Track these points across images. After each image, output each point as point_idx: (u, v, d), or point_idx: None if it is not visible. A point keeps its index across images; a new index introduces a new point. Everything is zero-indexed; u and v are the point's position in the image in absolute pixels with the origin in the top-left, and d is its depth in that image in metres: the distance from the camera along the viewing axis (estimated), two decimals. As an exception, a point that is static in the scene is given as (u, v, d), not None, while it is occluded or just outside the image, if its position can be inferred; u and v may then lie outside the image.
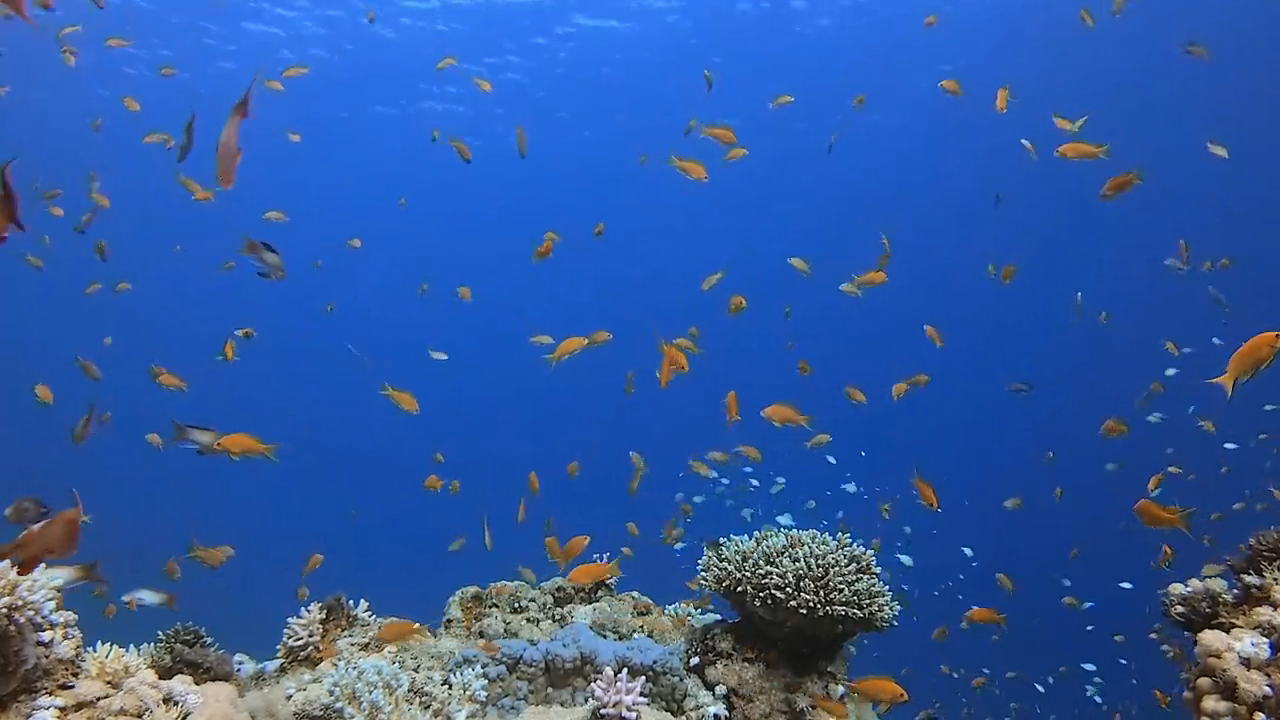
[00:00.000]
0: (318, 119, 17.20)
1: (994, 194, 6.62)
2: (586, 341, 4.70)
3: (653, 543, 5.67)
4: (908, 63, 14.54)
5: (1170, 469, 7.94)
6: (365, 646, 2.99)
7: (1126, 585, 5.87)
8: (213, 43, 14.90)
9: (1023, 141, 5.51)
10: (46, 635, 2.09)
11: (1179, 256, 6.49)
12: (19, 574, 1.98)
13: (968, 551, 7.98)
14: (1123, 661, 7.43)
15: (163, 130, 7.06)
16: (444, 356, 7.46)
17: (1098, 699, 7.52)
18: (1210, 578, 2.44)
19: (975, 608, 3.80)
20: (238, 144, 2.32)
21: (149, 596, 3.12)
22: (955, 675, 7.00)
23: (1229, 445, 7.76)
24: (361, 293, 19.72)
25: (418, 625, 2.97)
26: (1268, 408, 8.46)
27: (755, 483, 6.06)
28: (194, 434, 2.92)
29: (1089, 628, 8.26)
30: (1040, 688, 8.29)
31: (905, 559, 5.26)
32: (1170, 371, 7.35)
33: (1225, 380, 2.31)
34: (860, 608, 2.87)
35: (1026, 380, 8.71)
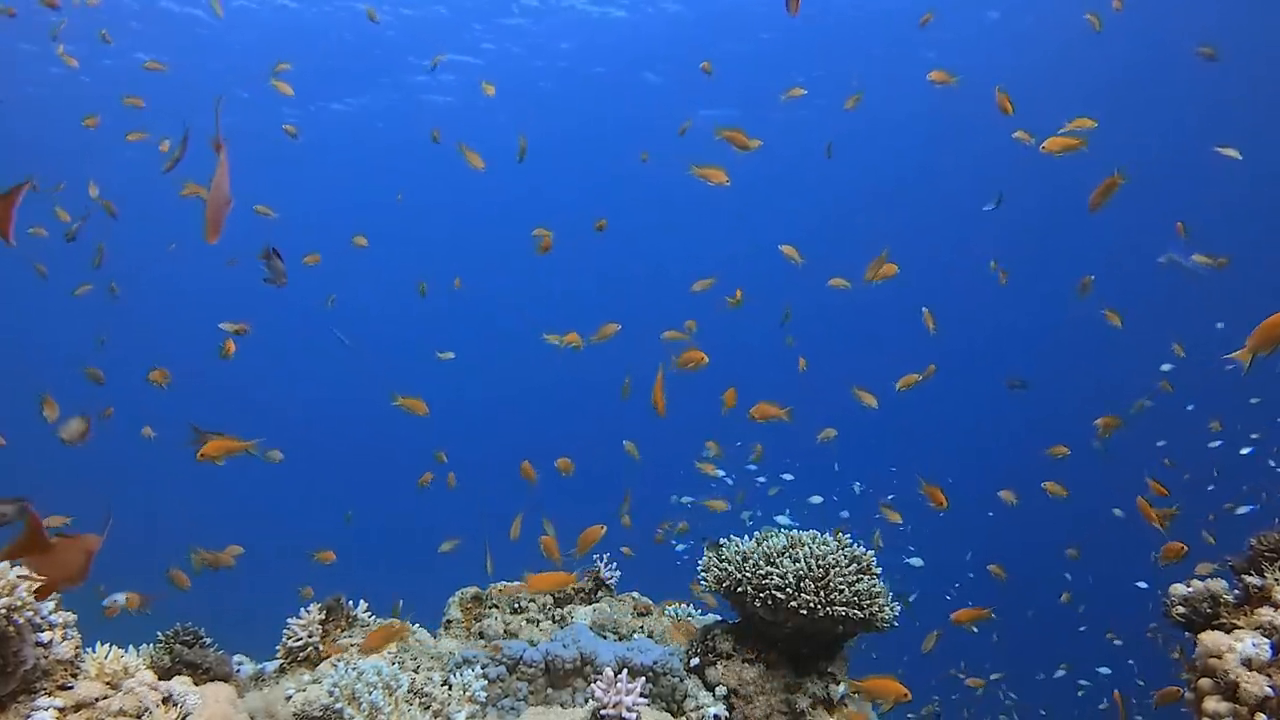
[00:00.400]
0: (316, 111, 17.17)
1: (996, 195, 6.62)
2: (593, 338, 4.70)
3: (654, 543, 5.67)
4: (909, 57, 14.52)
5: (1165, 462, 7.94)
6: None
7: (1142, 585, 5.86)
8: (210, 34, 14.83)
9: (1016, 134, 5.48)
10: (45, 636, 2.08)
11: (1177, 239, 6.46)
12: (36, 599, 1.99)
13: (968, 555, 7.99)
14: (1130, 662, 7.44)
15: (155, 125, 6.99)
16: (451, 356, 7.43)
17: (1103, 703, 7.51)
18: (1209, 577, 2.44)
19: (959, 610, 3.77)
20: (229, 194, 2.15)
21: (120, 598, 3.10)
22: (961, 675, 7.01)
23: (1213, 444, 7.73)
24: (360, 288, 19.68)
25: (399, 624, 2.95)
26: (1253, 401, 8.45)
27: (762, 479, 6.05)
28: (211, 439, 2.93)
29: (1081, 628, 8.26)
30: (1041, 674, 8.28)
31: (916, 561, 5.25)
32: (1166, 367, 7.34)
33: (1243, 355, 2.30)
34: (861, 608, 2.87)
35: (1025, 377, 8.69)
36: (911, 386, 5.21)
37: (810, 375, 6.68)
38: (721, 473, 5.25)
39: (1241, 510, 6.85)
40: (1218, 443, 7.72)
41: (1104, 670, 7.03)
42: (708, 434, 5.53)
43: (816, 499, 5.50)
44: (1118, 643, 7.75)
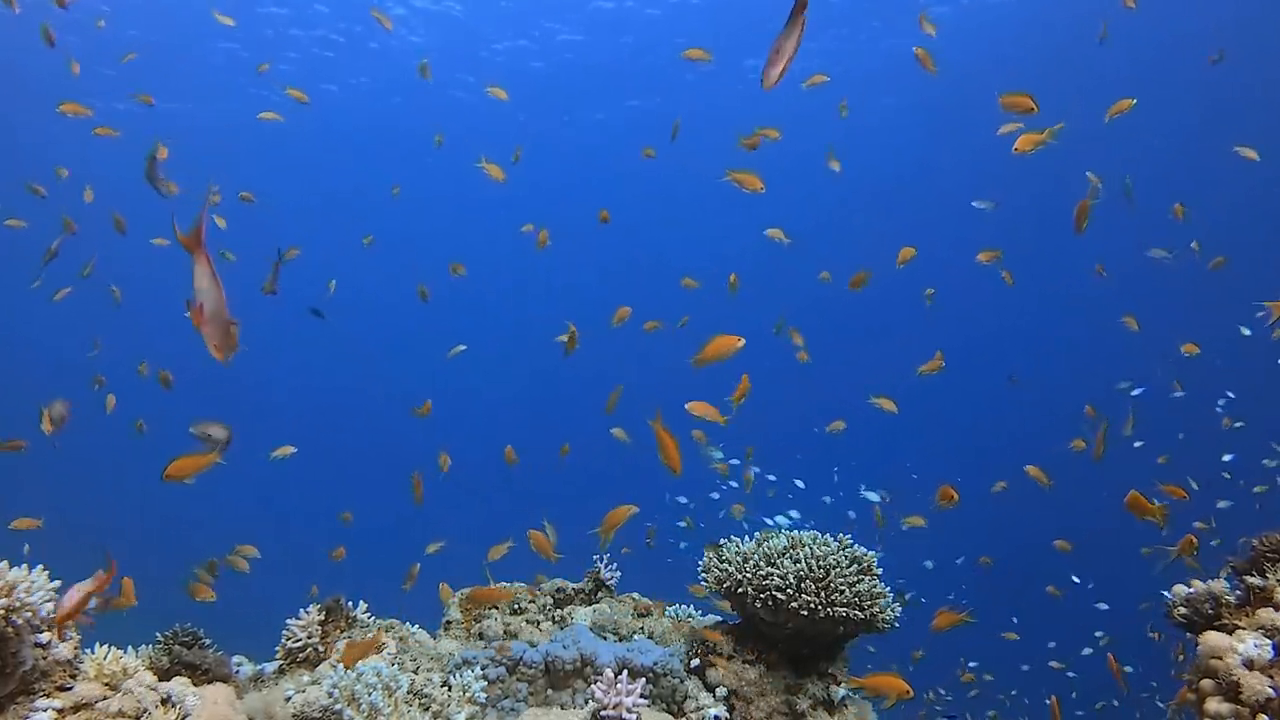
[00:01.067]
0: (315, 104, 17.04)
1: (987, 198, 6.61)
2: (612, 322, 4.74)
3: (657, 544, 5.65)
4: (914, 42, 14.41)
5: (1160, 459, 7.92)
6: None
7: (1166, 595, 5.83)
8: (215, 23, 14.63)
9: (1001, 130, 5.41)
10: (44, 637, 2.08)
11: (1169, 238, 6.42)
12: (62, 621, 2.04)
13: (960, 559, 7.97)
14: (1129, 669, 7.41)
15: (150, 119, 6.93)
16: (462, 348, 7.42)
17: (1098, 703, 7.47)
18: (1211, 579, 2.44)
19: (940, 613, 3.72)
20: (225, 305, 1.67)
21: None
22: (961, 673, 7.00)
23: (1180, 435, 7.69)
24: (359, 281, 19.55)
25: (374, 635, 2.93)
26: (1220, 404, 8.43)
27: (772, 478, 6.02)
28: (208, 428, 2.91)
29: (1061, 625, 8.22)
30: (1026, 666, 8.27)
31: (927, 563, 5.23)
32: (1180, 355, 7.30)
33: (1277, 306, 2.31)
34: (862, 609, 2.87)
35: (1023, 373, 8.68)
36: (932, 372, 5.20)
37: (809, 367, 6.66)
38: (737, 461, 5.21)
39: (1222, 504, 6.83)
40: (1181, 434, 7.67)
41: (1128, 669, 6.98)
42: (714, 433, 5.50)
43: (827, 499, 5.49)
44: (1099, 634, 7.72)
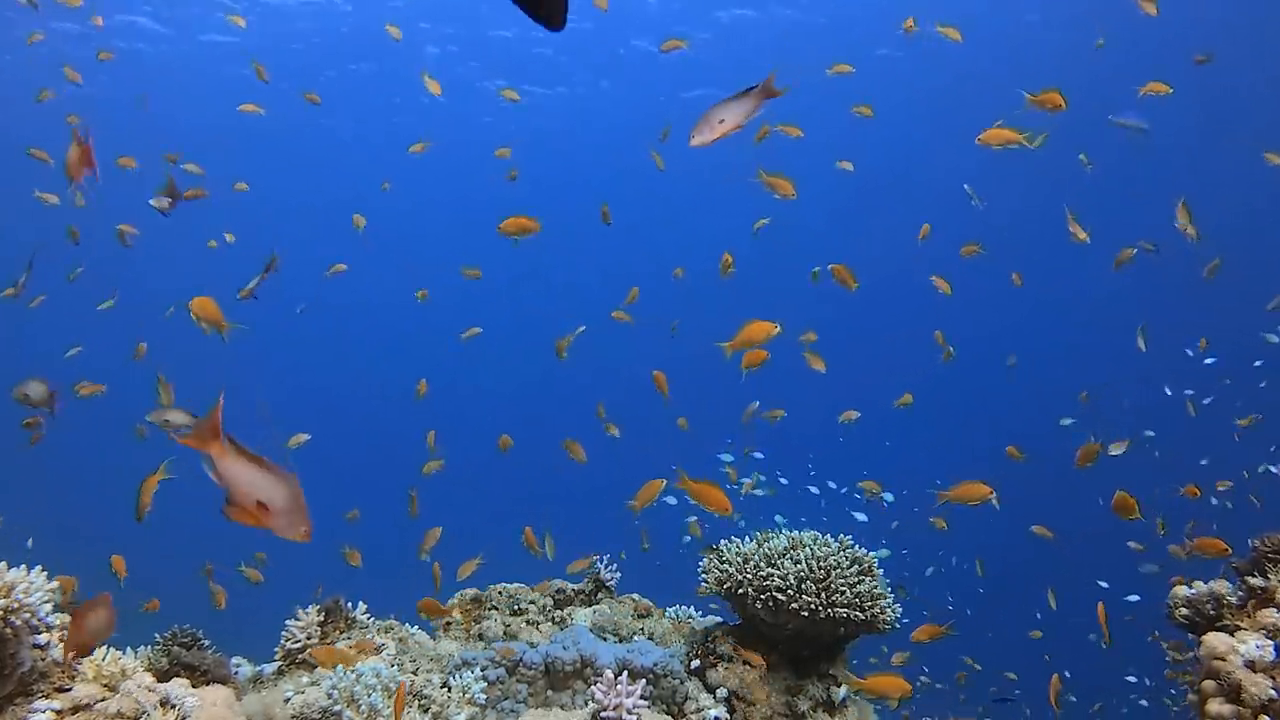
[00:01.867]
0: (314, 99, 16.92)
1: (974, 195, 6.56)
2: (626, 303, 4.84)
3: (657, 547, 5.63)
4: (917, 36, 14.32)
5: (1155, 455, 7.90)
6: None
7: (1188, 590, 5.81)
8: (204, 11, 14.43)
9: (995, 125, 5.37)
10: (43, 638, 2.08)
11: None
12: (73, 657, 2.03)
13: (953, 559, 7.95)
14: (1135, 679, 7.39)
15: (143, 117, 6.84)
16: (478, 330, 7.43)
17: (1095, 704, 7.41)
18: (1214, 580, 2.44)
19: (922, 626, 3.69)
20: (299, 491, 1.36)
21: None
22: (961, 675, 6.98)
23: (1149, 431, 7.65)
24: (360, 281, 19.48)
25: (360, 643, 2.92)
26: (1211, 398, 8.42)
27: (784, 480, 6.00)
28: (170, 414, 2.91)
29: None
30: (1013, 675, 8.26)
31: (929, 570, 5.22)
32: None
33: None
34: (862, 609, 2.86)
35: (1018, 371, 8.60)
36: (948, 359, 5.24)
37: (807, 366, 6.62)
38: (762, 461, 5.21)
39: (1216, 502, 6.82)
40: (1151, 432, 7.65)
41: (1131, 678, 6.94)
42: (722, 430, 5.46)
43: (861, 516, 5.45)
44: (1084, 622, 7.66)
